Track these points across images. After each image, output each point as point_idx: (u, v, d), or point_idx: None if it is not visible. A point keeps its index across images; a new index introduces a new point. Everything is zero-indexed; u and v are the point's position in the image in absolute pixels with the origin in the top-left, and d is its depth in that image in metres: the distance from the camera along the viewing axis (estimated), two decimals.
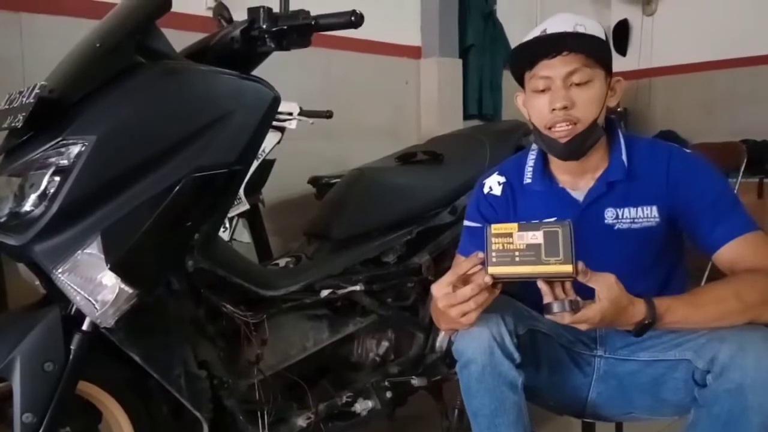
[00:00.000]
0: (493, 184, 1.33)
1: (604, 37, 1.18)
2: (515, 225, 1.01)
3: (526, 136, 1.98)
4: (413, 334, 1.74)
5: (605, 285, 1.00)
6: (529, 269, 0.98)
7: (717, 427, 1.02)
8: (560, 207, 1.25)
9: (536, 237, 0.99)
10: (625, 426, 1.53)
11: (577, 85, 1.14)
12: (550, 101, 1.15)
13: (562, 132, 1.15)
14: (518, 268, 0.98)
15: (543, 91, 1.16)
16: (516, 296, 1.22)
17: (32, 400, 1.11)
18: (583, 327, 1.01)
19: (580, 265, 0.99)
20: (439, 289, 1.05)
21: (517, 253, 0.99)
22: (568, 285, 1.01)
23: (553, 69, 1.14)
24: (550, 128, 1.17)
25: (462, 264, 1.04)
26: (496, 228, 1.01)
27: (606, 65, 1.18)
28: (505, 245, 0.99)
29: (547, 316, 1.01)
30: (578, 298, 1.00)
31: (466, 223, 1.35)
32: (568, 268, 0.97)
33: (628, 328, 1.05)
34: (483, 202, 1.34)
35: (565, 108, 1.14)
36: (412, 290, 1.74)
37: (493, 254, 0.99)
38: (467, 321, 1.04)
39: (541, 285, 1.00)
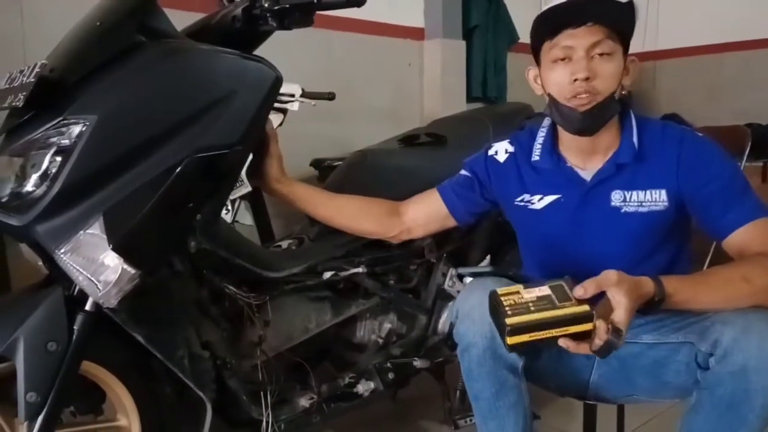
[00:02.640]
0: (500, 150, 1.35)
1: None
2: (519, 285, 1.00)
3: (529, 119, 1.96)
4: (415, 316, 1.74)
5: (611, 284, 0.97)
6: (548, 314, 0.95)
7: (720, 409, 1.02)
8: (567, 185, 1.24)
9: (543, 290, 0.99)
10: (626, 408, 1.54)
11: (600, 56, 1.13)
12: (572, 71, 1.13)
13: (582, 101, 1.14)
14: (536, 315, 0.95)
15: (564, 59, 1.15)
16: (517, 279, 1.22)
17: (36, 380, 1.11)
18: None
19: (578, 290, 0.97)
20: None
21: (531, 304, 0.97)
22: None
23: (577, 39, 1.13)
24: (569, 98, 1.15)
25: None
26: (501, 290, 0.99)
27: (626, 42, 1.17)
28: (517, 300, 0.98)
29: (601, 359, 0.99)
30: (614, 324, 0.95)
31: (462, 171, 1.42)
32: (585, 307, 0.96)
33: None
34: (482, 160, 1.38)
35: (587, 79, 1.12)
36: (414, 272, 1.74)
37: (507, 309, 0.97)
38: None
39: (565, 343, 0.96)
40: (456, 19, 3.72)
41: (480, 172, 1.37)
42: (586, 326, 0.95)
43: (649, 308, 1.03)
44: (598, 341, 0.95)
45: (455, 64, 3.71)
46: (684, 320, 1.12)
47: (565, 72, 1.15)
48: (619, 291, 0.96)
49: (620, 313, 0.95)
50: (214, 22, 1.32)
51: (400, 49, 3.58)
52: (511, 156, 1.33)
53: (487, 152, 1.37)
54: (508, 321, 0.95)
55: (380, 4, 3.19)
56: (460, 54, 3.75)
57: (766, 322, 1.00)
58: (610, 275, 0.98)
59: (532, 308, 0.96)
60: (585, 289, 0.97)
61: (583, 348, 0.97)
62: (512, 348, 0.97)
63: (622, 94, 1.21)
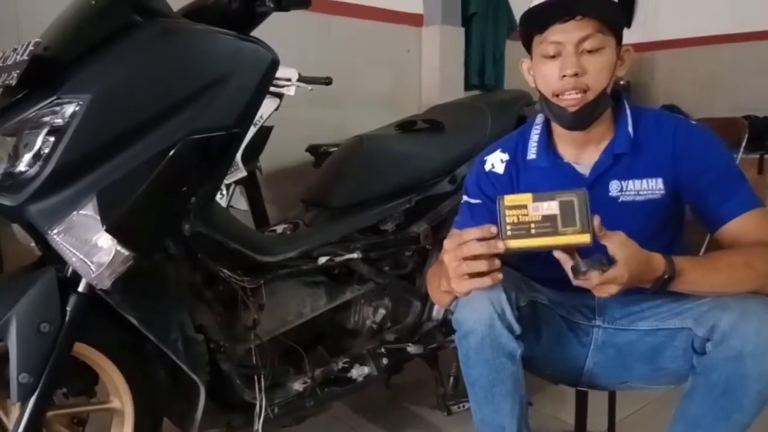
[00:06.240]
0: (496, 161, 1.31)
1: (617, 0, 1.15)
2: (529, 196, 0.98)
3: (528, 106, 1.96)
4: (410, 302, 1.74)
5: (618, 243, 0.98)
6: (546, 241, 0.96)
7: (714, 394, 1.02)
8: (566, 183, 1.23)
9: (551, 207, 0.96)
10: (618, 396, 1.55)
11: (589, 51, 1.11)
12: (560, 67, 1.12)
13: (571, 100, 1.13)
14: (535, 241, 0.96)
15: (553, 56, 1.13)
16: (515, 267, 1.21)
17: (28, 361, 1.11)
18: (612, 289, 0.98)
19: (596, 220, 0.96)
20: (452, 242, 1.01)
21: (533, 225, 0.96)
22: None
23: (566, 34, 1.11)
24: (558, 96, 1.14)
25: (472, 231, 1.00)
26: (509, 200, 0.98)
27: (618, 33, 1.15)
28: (520, 218, 0.97)
29: (576, 282, 0.99)
30: (601, 256, 0.97)
31: (466, 198, 1.33)
32: (585, 238, 0.95)
33: (647, 285, 1.04)
34: (484, 179, 1.31)
35: (575, 75, 1.11)
36: (410, 259, 1.74)
37: (508, 228, 0.96)
38: (461, 288, 1.01)
39: (559, 255, 0.98)
40: (455, 6, 3.69)
41: (488, 191, 1.31)
42: (581, 243, 0.96)
43: (656, 286, 1.03)
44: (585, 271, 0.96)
45: (454, 51, 3.69)
46: (681, 306, 1.12)
47: (554, 68, 1.13)
48: (624, 252, 0.97)
49: (619, 268, 0.96)
50: (211, 3, 1.30)
51: (399, 35, 3.55)
52: (509, 163, 1.30)
53: (483, 168, 1.32)
54: (508, 243, 0.96)
55: None
56: (459, 41, 3.73)
57: (764, 308, 1.00)
58: (620, 235, 0.98)
59: (533, 231, 0.96)
60: (598, 222, 0.96)
61: (567, 263, 0.98)
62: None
63: (618, 84, 1.20)
